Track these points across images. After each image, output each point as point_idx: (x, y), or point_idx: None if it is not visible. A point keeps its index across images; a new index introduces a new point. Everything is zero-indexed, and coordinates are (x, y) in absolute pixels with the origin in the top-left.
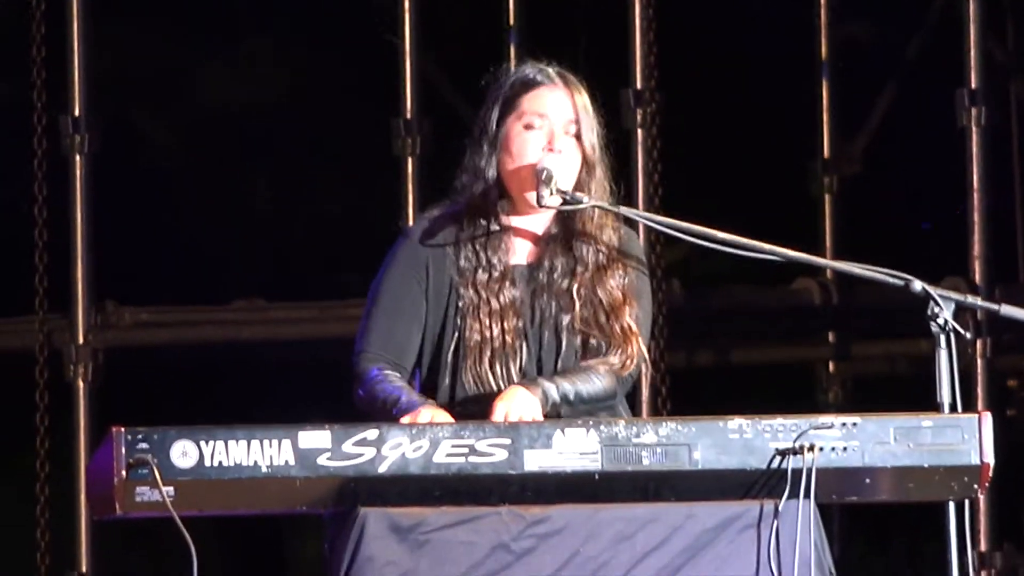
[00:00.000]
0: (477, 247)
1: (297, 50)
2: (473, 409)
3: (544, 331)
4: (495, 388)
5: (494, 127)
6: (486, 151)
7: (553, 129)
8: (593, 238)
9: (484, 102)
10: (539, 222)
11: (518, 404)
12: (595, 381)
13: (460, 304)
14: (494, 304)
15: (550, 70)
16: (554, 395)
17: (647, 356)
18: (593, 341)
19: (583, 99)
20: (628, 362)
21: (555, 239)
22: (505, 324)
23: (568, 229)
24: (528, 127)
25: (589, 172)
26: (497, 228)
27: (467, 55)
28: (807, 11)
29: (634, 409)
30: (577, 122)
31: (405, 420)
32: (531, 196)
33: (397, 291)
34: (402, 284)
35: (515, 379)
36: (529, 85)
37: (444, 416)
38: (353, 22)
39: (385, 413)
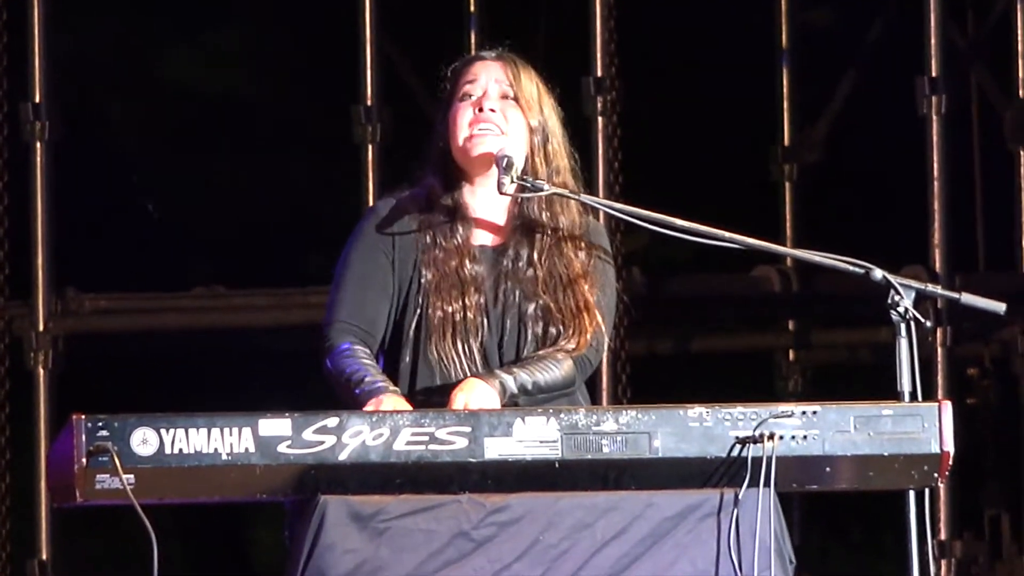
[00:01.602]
0: (439, 227)
1: (258, 36)
2: (433, 390)
3: (507, 319)
4: (457, 365)
5: (444, 110)
6: (438, 133)
7: (487, 90)
8: (555, 222)
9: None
10: (500, 204)
11: (476, 396)
12: (553, 369)
13: (423, 282)
14: (455, 280)
15: (491, 51)
16: (512, 386)
17: (607, 341)
18: (552, 329)
19: (524, 73)
20: (583, 341)
21: (517, 222)
22: (467, 300)
23: (528, 211)
24: (463, 98)
25: (543, 146)
26: (458, 209)
27: (428, 42)
28: None
29: (594, 397)
30: (512, 86)
31: (367, 406)
32: (487, 175)
33: (366, 263)
34: (370, 257)
35: (476, 356)
36: (467, 63)
37: (404, 404)
38: (314, 7)
39: (348, 390)
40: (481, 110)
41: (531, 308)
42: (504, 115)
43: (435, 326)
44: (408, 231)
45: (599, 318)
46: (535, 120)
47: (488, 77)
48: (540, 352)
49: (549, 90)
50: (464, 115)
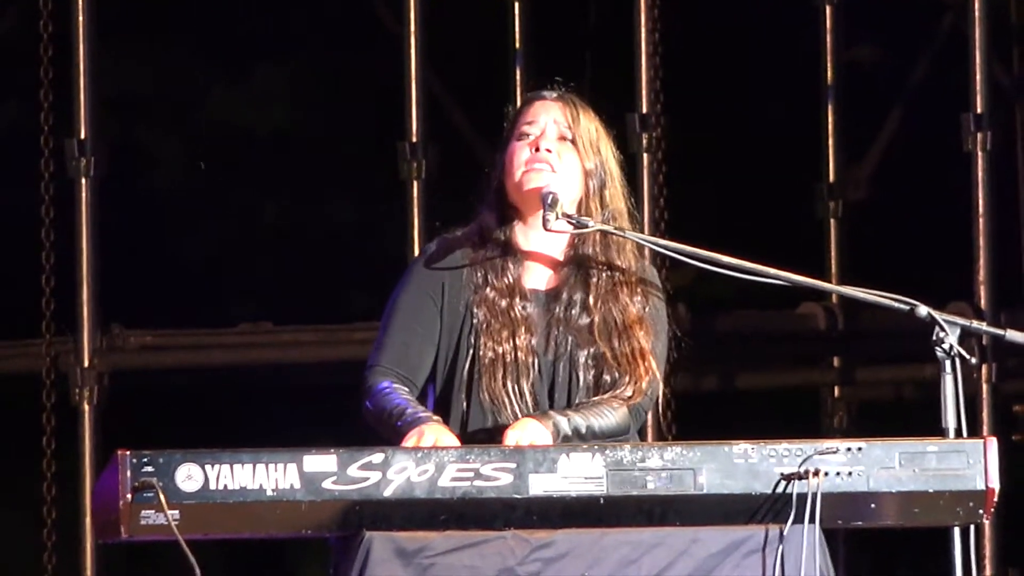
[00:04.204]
0: (491, 268)
1: (305, 72)
2: (484, 431)
3: (558, 365)
4: (508, 406)
5: (502, 148)
6: (494, 174)
7: (545, 130)
8: (607, 262)
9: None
10: (554, 245)
11: (529, 435)
12: (608, 416)
13: (474, 323)
14: (506, 320)
15: (553, 91)
16: (565, 428)
17: (661, 387)
18: (607, 376)
19: (583, 114)
20: (639, 388)
21: (571, 265)
22: (517, 340)
23: (582, 253)
24: (520, 138)
25: (599, 188)
26: (511, 247)
27: (474, 79)
28: (813, 34)
29: (640, 433)
30: (571, 128)
31: (410, 436)
32: (537, 218)
33: (412, 309)
34: (417, 302)
35: (528, 398)
36: (527, 102)
37: (447, 433)
38: (361, 45)
39: (390, 425)
40: (538, 149)
41: (583, 356)
42: (559, 156)
43: (486, 366)
44: (460, 272)
45: (654, 365)
46: (591, 163)
47: (547, 118)
48: (596, 398)
49: (608, 132)
50: (521, 154)
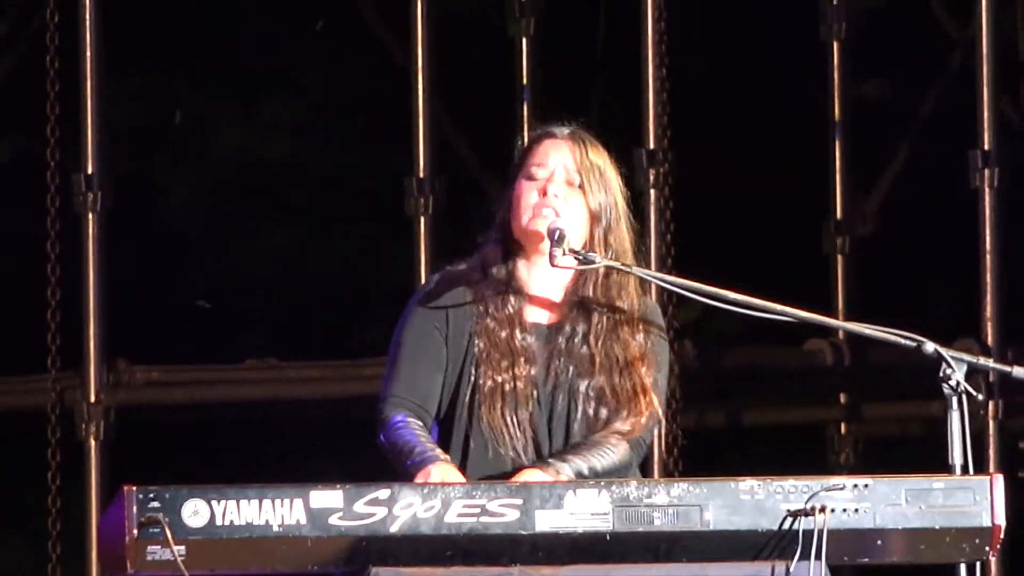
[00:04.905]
0: (493, 300)
1: (313, 106)
2: (485, 460)
3: (558, 395)
4: (507, 437)
5: (510, 181)
6: (501, 209)
7: (553, 174)
8: (612, 303)
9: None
10: (556, 282)
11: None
12: (609, 454)
13: (475, 352)
14: (506, 350)
15: (564, 127)
16: (568, 473)
17: (662, 418)
18: (604, 409)
19: (592, 154)
20: (639, 423)
21: (574, 300)
22: (517, 371)
23: (584, 292)
24: (529, 178)
25: (604, 231)
26: (513, 281)
27: (481, 114)
28: (821, 69)
29: (645, 469)
30: (580, 172)
31: (417, 477)
32: (543, 252)
33: (419, 338)
34: (423, 332)
35: (527, 427)
36: (537, 140)
37: (454, 472)
38: (369, 80)
39: (401, 462)
40: (545, 194)
41: (583, 386)
42: (566, 200)
43: (485, 395)
44: (462, 303)
45: (655, 401)
46: (598, 206)
47: (557, 160)
48: (594, 437)
49: (616, 167)
50: (528, 196)
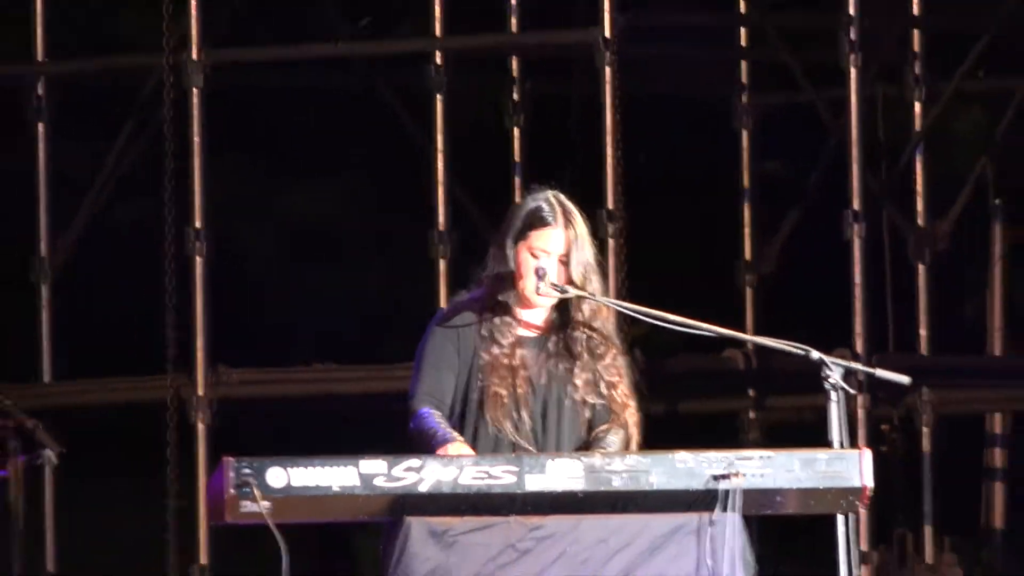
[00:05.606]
0: (495, 323)
1: (358, 179)
2: (489, 447)
3: (553, 386)
4: (508, 429)
5: (511, 243)
6: (505, 259)
7: (549, 259)
8: (584, 320)
9: (505, 220)
10: (540, 311)
11: None
12: (614, 442)
13: (481, 363)
14: (507, 363)
15: (555, 204)
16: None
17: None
18: (590, 398)
19: (575, 231)
20: (625, 426)
21: (555, 318)
22: (516, 379)
23: (566, 313)
24: (532, 255)
25: (583, 280)
26: (509, 310)
27: (484, 182)
28: (733, 151)
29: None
30: (567, 254)
31: (440, 451)
32: (531, 288)
33: (438, 351)
34: (440, 346)
35: (526, 421)
36: (537, 223)
37: (466, 448)
38: (401, 159)
39: (427, 442)
40: (542, 277)
41: (572, 378)
42: (557, 275)
43: (490, 400)
44: (469, 325)
45: (627, 385)
46: (578, 265)
47: (554, 248)
48: (593, 435)
49: (587, 224)
50: (530, 276)
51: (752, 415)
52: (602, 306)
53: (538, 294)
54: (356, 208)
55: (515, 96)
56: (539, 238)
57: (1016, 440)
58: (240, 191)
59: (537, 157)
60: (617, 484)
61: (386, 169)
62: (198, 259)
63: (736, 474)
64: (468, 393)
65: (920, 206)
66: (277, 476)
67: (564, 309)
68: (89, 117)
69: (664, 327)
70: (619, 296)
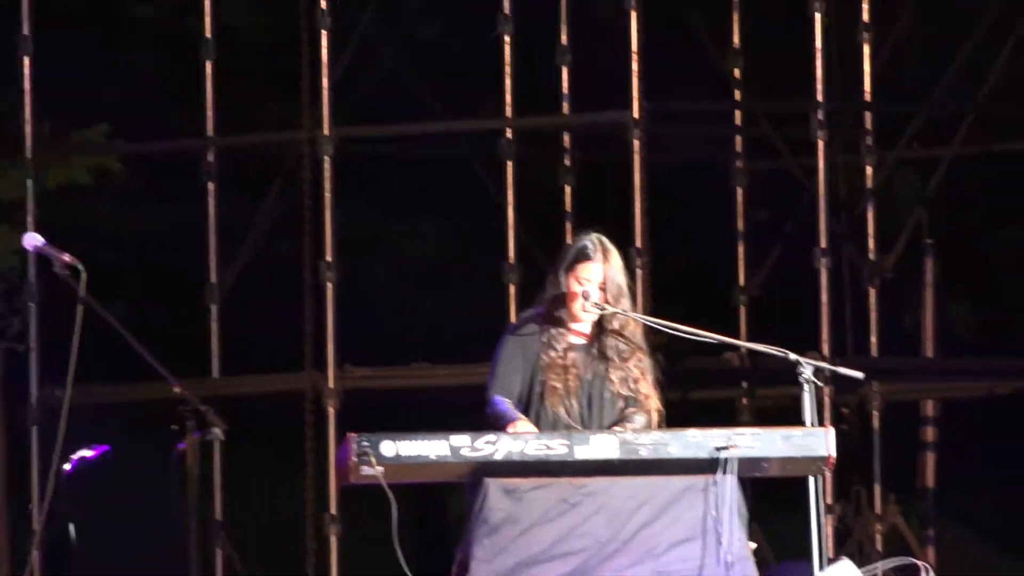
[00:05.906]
0: (551, 333)
1: (452, 223)
2: (548, 426)
3: (596, 381)
4: (563, 415)
5: (563, 273)
6: (559, 285)
7: (591, 285)
8: (619, 330)
9: (559, 256)
10: (585, 325)
11: None
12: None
13: (542, 364)
14: (561, 363)
15: (596, 243)
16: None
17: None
18: (621, 403)
19: (611, 264)
20: (646, 395)
21: (598, 330)
22: (568, 377)
23: (606, 326)
24: (579, 282)
25: (615, 295)
26: (562, 322)
27: (544, 227)
28: (730, 204)
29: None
30: (604, 282)
31: (509, 428)
32: (578, 307)
33: (509, 355)
34: (511, 351)
35: (576, 409)
36: (583, 258)
37: (530, 426)
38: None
39: (500, 421)
40: (587, 298)
41: (611, 375)
42: (597, 295)
43: (548, 391)
44: (532, 335)
45: (649, 380)
46: (613, 289)
47: (594, 278)
48: (625, 414)
49: (621, 258)
50: (577, 299)
51: (745, 402)
52: (631, 320)
53: (583, 311)
54: (447, 245)
55: (567, 162)
56: (584, 269)
57: (943, 421)
58: (361, 233)
59: (583, 208)
60: (644, 453)
61: (471, 216)
62: (329, 284)
63: (733, 446)
64: (532, 386)
65: (871, 245)
66: (388, 448)
67: (603, 323)
68: (247, 178)
69: (679, 335)
70: (645, 313)
